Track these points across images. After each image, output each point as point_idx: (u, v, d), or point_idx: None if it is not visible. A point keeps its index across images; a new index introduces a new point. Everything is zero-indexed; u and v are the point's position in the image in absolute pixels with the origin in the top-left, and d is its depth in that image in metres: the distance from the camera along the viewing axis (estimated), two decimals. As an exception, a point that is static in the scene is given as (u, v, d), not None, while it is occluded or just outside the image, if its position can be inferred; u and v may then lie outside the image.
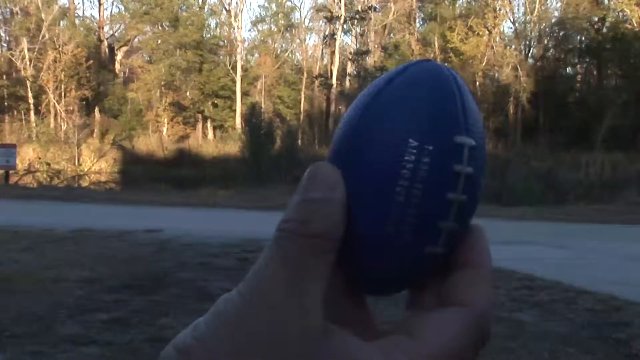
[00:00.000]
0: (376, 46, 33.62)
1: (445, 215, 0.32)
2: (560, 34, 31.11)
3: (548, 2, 33.25)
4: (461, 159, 0.32)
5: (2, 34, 36.48)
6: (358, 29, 34.24)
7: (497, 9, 31.97)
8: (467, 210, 0.33)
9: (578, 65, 32.96)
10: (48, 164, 25.23)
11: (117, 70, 37.32)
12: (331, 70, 33.04)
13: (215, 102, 35.44)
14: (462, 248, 0.34)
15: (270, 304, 0.29)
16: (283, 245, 0.30)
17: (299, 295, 0.29)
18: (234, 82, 34.87)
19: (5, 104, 32.63)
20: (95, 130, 31.54)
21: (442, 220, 0.32)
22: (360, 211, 0.32)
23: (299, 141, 29.04)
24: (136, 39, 38.26)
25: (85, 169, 26.91)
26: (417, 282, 0.34)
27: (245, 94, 35.24)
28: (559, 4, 33.07)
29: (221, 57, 37.15)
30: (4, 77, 33.54)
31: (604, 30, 30.27)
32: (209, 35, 38.24)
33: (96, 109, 33.56)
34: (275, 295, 0.29)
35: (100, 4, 37.92)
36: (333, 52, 33.48)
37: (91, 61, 33.16)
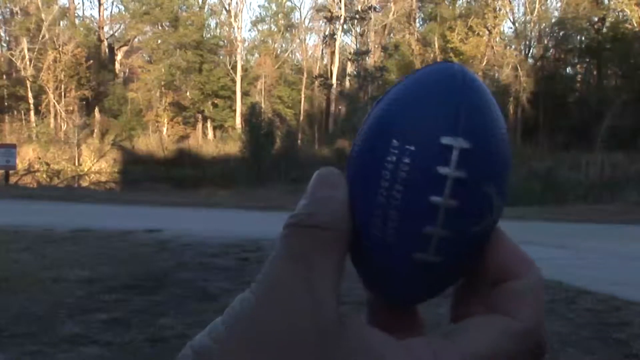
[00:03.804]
0: (376, 46, 33.60)
1: (431, 221, 0.30)
2: (560, 34, 31.12)
3: (548, 2, 33.31)
4: (447, 161, 0.30)
5: (2, 34, 36.53)
6: (358, 29, 34.22)
7: (497, 9, 31.98)
8: (462, 217, 0.30)
9: (578, 65, 32.98)
10: (48, 164, 25.26)
11: (117, 70, 37.33)
12: (331, 70, 33.04)
13: (215, 102, 35.44)
14: (486, 260, 0.32)
15: (282, 300, 0.29)
16: (290, 240, 0.30)
17: (310, 289, 0.29)
18: (234, 82, 34.87)
19: (5, 104, 32.66)
20: (95, 131, 31.57)
21: (429, 226, 0.30)
22: (354, 212, 0.32)
23: (299, 141, 29.06)
24: (136, 39, 38.27)
25: (85, 169, 26.93)
26: (431, 294, 0.33)
27: (245, 94, 35.25)
28: (559, 4, 33.13)
29: (221, 57, 37.17)
30: (4, 77, 33.56)
31: (604, 30, 30.28)
32: (209, 35, 38.27)
33: (96, 109, 33.58)
34: (286, 290, 0.29)
35: (100, 4, 37.98)
36: (333, 52, 33.49)
37: (91, 61, 33.19)
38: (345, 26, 33.61)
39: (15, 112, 32.48)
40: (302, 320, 0.28)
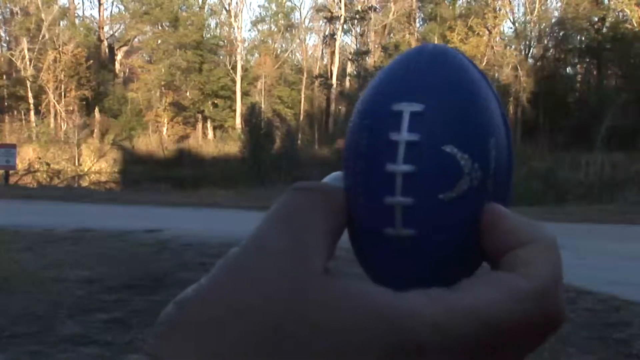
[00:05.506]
0: (376, 46, 33.60)
1: (390, 190, 0.29)
2: (560, 34, 31.11)
3: (548, 2, 33.30)
4: (399, 127, 0.29)
5: (2, 34, 36.53)
6: (358, 29, 34.24)
7: (497, 9, 31.98)
8: (423, 183, 0.29)
9: (578, 65, 32.97)
10: (48, 164, 25.24)
11: (117, 70, 37.32)
12: (331, 70, 33.04)
13: (215, 102, 35.43)
14: (483, 240, 0.30)
15: (269, 251, 0.28)
16: (286, 199, 0.30)
17: (299, 242, 0.28)
18: (234, 82, 34.86)
19: (5, 104, 32.66)
20: (95, 130, 31.56)
21: (388, 196, 0.29)
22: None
23: (299, 141, 29.05)
24: (136, 39, 38.28)
25: (85, 169, 26.92)
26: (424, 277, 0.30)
27: (245, 94, 35.23)
28: (559, 4, 33.12)
29: (221, 57, 37.15)
30: (4, 77, 33.56)
31: (604, 30, 30.26)
32: (209, 35, 38.24)
33: (96, 109, 33.56)
34: (275, 242, 0.28)
35: (100, 4, 37.97)
36: (333, 52, 33.49)
37: (91, 61, 33.17)
38: (345, 26, 33.62)
39: (15, 112, 32.48)
40: (286, 270, 0.28)
